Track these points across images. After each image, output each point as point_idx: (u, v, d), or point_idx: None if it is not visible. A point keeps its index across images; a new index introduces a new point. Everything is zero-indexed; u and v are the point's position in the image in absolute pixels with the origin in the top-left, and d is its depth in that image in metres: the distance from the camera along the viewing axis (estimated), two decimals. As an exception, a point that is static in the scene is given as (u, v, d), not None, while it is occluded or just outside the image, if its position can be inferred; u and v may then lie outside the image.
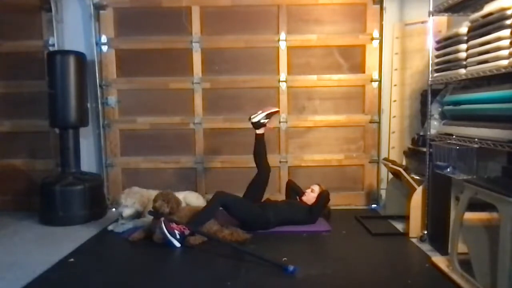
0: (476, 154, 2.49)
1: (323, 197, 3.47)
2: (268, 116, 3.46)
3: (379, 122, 4.07)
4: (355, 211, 3.88)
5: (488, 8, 2.29)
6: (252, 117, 3.44)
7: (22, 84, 4.02)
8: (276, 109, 3.54)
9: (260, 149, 3.50)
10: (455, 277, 2.31)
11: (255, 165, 3.51)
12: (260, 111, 3.46)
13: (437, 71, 2.93)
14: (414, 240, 3.05)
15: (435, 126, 2.98)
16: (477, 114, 2.56)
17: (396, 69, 4.00)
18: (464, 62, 2.56)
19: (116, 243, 3.11)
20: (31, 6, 3.95)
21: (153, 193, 3.30)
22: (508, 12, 2.13)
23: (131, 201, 3.34)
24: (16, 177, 4.08)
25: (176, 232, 2.92)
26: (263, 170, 3.49)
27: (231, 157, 4.10)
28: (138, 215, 3.40)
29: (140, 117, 4.09)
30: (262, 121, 3.43)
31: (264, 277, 2.42)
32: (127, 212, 3.34)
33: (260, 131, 3.47)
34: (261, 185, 3.49)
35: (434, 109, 3.00)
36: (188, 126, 4.10)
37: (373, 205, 4.10)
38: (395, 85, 4.02)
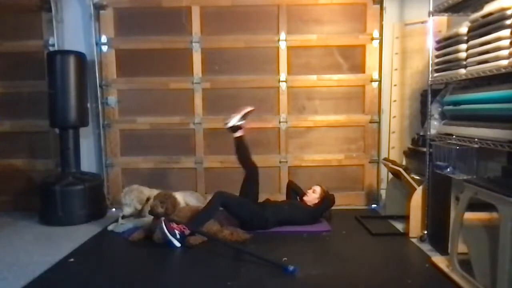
0: (476, 154, 2.50)
1: (328, 201, 3.47)
2: (244, 117, 3.38)
3: (379, 122, 4.07)
4: (355, 211, 3.88)
5: (488, 8, 2.29)
6: (226, 122, 3.36)
7: (22, 84, 4.02)
8: (251, 108, 3.44)
9: (242, 151, 3.41)
10: (455, 277, 2.31)
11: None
12: (234, 114, 3.37)
13: (437, 71, 2.93)
14: (414, 240, 3.05)
15: (435, 126, 2.98)
16: (477, 114, 2.56)
17: (396, 69, 4.01)
18: (464, 62, 2.57)
19: (116, 243, 3.11)
20: (31, 6, 3.95)
21: (155, 191, 3.31)
22: (508, 12, 2.14)
23: (130, 199, 3.34)
24: (16, 177, 4.08)
25: (176, 232, 2.92)
26: (250, 170, 3.42)
27: (231, 157, 4.07)
28: (138, 214, 3.40)
29: (140, 117, 4.09)
30: (238, 123, 3.35)
31: (264, 277, 2.42)
32: (127, 210, 3.33)
33: (238, 134, 3.39)
34: (252, 185, 3.42)
35: (434, 109, 3.00)
36: (188, 126, 4.10)
37: (373, 205, 4.10)
38: (395, 85, 4.02)
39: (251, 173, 3.43)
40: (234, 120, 3.35)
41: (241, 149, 3.42)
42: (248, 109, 3.41)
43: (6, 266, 2.63)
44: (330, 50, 4.04)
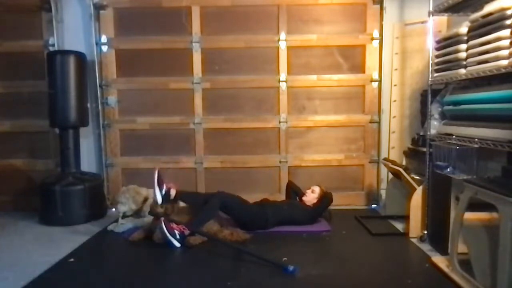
0: (476, 154, 2.50)
1: (326, 200, 3.47)
2: (160, 183, 3.08)
3: (379, 122, 4.07)
4: (355, 211, 3.88)
5: (488, 8, 2.29)
6: (158, 204, 3.04)
7: (22, 84, 4.02)
8: (156, 172, 3.08)
9: (194, 199, 3.29)
10: (455, 277, 2.31)
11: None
12: (154, 190, 3.03)
13: (437, 71, 2.93)
14: (414, 240, 3.05)
15: (435, 126, 2.98)
16: (477, 114, 2.56)
17: (396, 69, 4.01)
18: (464, 62, 2.57)
19: (116, 243, 3.11)
20: (31, 6, 3.95)
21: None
22: (508, 12, 2.14)
23: (125, 198, 3.36)
24: (16, 177, 4.08)
25: (176, 232, 2.92)
26: (214, 200, 3.15)
27: (231, 157, 4.10)
28: (135, 213, 3.41)
29: (140, 117, 4.09)
30: (163, 192, 3.07)
31: (264, 277, 2.42)
32: (122, 208, 3.36)
33: (173, 195, 3.13)
34: (234, 199, 3.28)
35: (434, 109, 3.00)
36: (188, 126, 4.10)
37: (373, 205, 4.10)
38: (395, 85, 4.02)
39: (218, 199, 3.18)
40: (158, 195, 3.05)
41: (191, 198, 3.32)
42: (155, 174, 3.08)
43: (6, 266, 2.63)
44: (330, 50, 4.04)
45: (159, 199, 3.06)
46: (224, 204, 3.15)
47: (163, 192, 3.08)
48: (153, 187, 3.01)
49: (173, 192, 3.14)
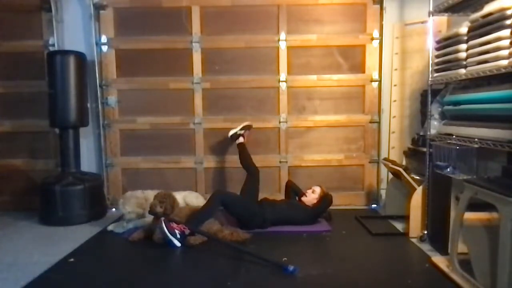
0: (476, 154, 2.50)
1: (326, 201, 3.47)
2: (243, 128, 3.78)
3: (379, 122, 4.07)
4: (355, 211, 3.88)
5: (488, 8, 2.30)
6: (229, 132, 3.77)
7: (22, 84, 4.02)
8: (250, 123, 3.84)
9: (244, 155, 3.71)
10: (455, 277, 2.31)
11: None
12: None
13: (437, 71, 2.93)
14: (414, 240, 3.05)
15: (435, 126, 2.98)
16: (477, 114, 2.56)
17: (396, 69, 4.01)
18: (464, 62, 2.57)
19: (116, 243, 3.11)
20: (31, 6, 3.95)
21: (151, 193, 3.31)
22: (508, 12, 2.14)
23: (130, 208, 3.34)
24: (16, 177, 4.08)
25: (177, 231, 2.92)
26: (251, 171, 3.63)
27: (231, 157, 4.10)
28: (140, 216, 3.40)
29: (140, 117, 4.09)
30: (238, 133, 3.75)
31: (264, 277, 2.42)
32: (130, 216, 3.35)
33: (239, 141, 3.76)
34: (254, 185, 3.56)
35: (434, 109, 3.00)
36: (188, 126, 4.10)
37: (373, 205, 4.10)
38: (395, 85, 4.02)
39: (253, 174, 3.61)
40: (234, 130, 3.76)
41: (243, 153, 3.71)
42: (248, 123, 3.82)
43: (6, 266, 2.63)
44: (330, 50, 4.04)
45: (232, 132, 3.74)
46: (223, 202, 3.15)
47: (239, 132, 3.74)
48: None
49: (241, 139, 3.75)
